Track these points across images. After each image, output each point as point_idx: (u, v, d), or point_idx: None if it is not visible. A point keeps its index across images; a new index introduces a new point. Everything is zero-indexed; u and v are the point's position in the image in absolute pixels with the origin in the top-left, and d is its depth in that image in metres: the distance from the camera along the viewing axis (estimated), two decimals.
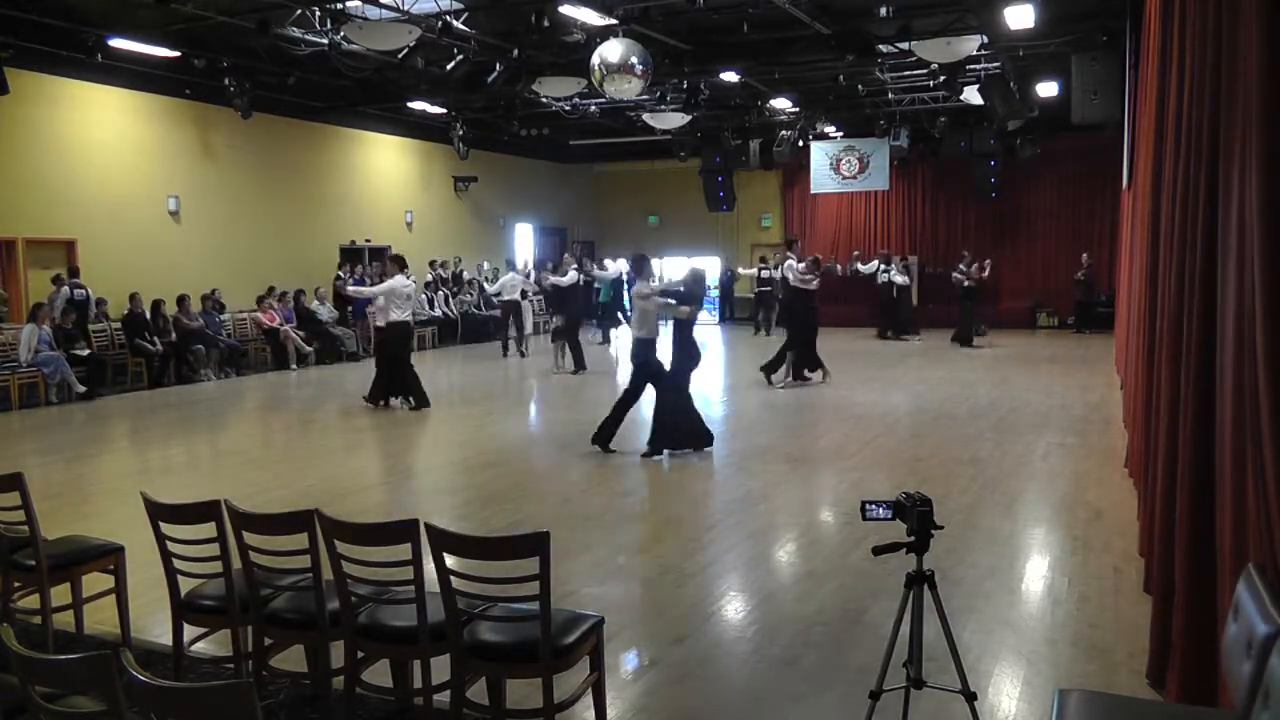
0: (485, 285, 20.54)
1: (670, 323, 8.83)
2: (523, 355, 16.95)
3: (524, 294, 17.33)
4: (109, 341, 14.15)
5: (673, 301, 8.67)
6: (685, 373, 8.78)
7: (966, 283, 17.78)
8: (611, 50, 10.66)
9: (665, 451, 8.61)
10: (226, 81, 14.09)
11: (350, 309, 17.32)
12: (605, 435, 8.78)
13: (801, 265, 12.83)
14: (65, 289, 13.67)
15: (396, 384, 11.58)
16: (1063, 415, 10.34)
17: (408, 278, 11.62)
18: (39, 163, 13.79)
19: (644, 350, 8.61)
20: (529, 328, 17.76)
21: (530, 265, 20.57)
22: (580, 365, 14.74)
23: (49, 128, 13.90)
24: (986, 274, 18.47)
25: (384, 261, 17.15)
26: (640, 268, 8.93)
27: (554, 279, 15.84)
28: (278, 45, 12.58)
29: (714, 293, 24.87)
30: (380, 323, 11.69)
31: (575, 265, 16.39)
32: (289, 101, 16.50)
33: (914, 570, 3.22)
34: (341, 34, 11.62)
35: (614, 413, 8.81)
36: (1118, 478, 7.42)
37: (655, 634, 4.64)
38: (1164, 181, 4.92)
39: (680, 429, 8.64)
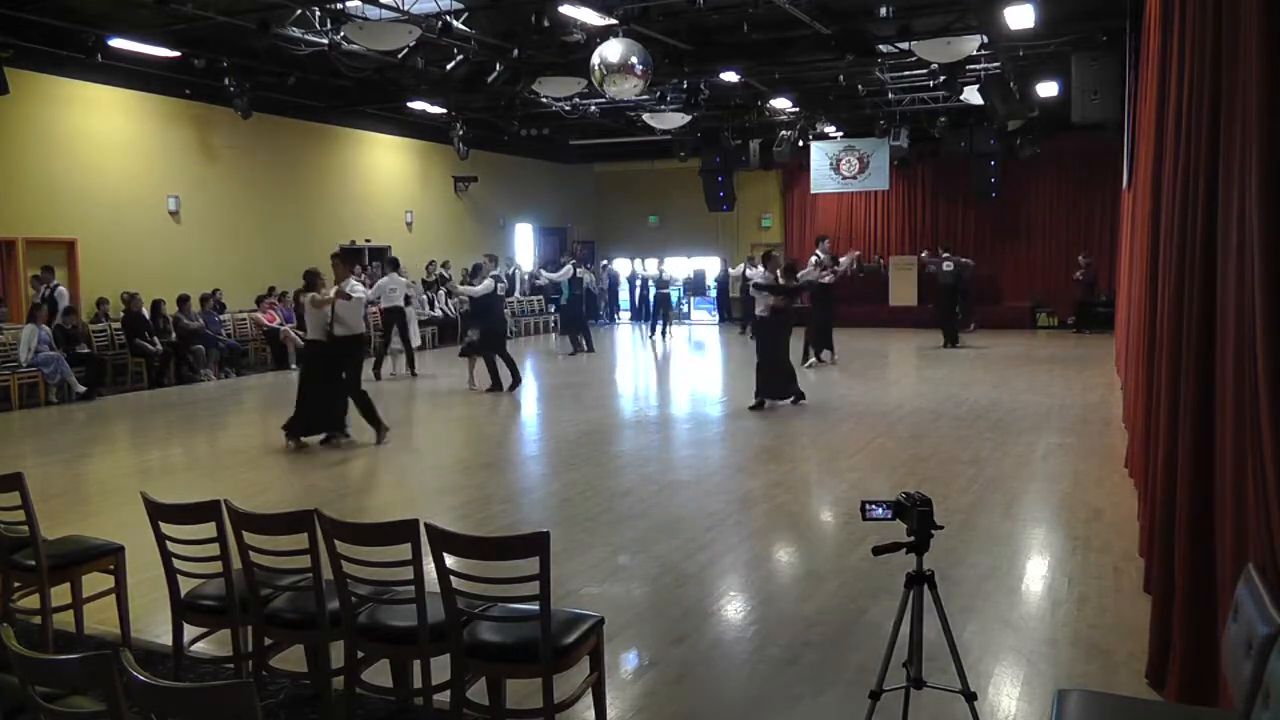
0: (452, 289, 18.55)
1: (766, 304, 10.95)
2: (413, 375, 14.73)
3: (408, 300, 15.23)
4: (109, 341, 14.16)
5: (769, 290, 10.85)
6: (785, 343, 11.11)
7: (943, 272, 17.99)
8: (611, 50, 10.66)
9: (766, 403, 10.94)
10: (226, 81, 14.09)
11: None
12: (787, 393, 11.08)
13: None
14: (44, 288, 13.59)
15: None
16: (1063, 415, 10.33)
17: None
18: (39, 163, 13.79)
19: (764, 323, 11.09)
20: (416, 339, 15.20)
21: (512, 266, 19.77)
22: (496, 384, 12.82)
23: (49, 128, 13.90)
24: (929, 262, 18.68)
25: (383, 262, 17.18)
26: (767, 259, 11.56)
27: (465, 287, 14.00)
28: (278, 45, 12.58)
29: (713, 293, 24.93)
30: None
31: (495, 273, 13.67)
32: (289, 101, 16.50)
33: (914, 570, 3.22)
34: (341, 34, 11.62)
35: (774, 372, 10.91)
36: (1118, 478, 7.42)
37: (655, 634, 4.63)
38: (1164, 181, 4.92)
39: (776, 382, 11.00)
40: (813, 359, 14.85)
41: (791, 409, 11.06)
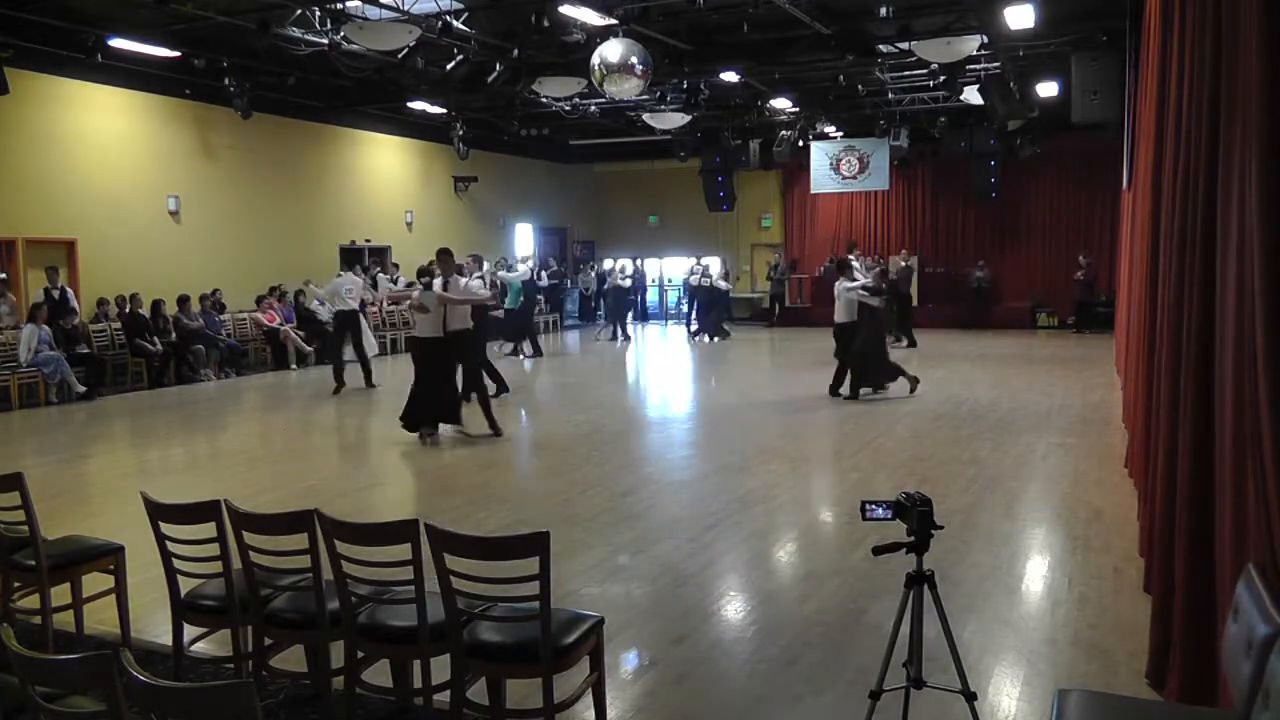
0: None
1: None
2: (369, 385, 13.32)
3: (364, 303, 13.89)
4: (109, 341, 14.16)
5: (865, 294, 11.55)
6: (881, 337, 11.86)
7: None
8: (611, 50, 10.66)
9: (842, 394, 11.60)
10: (226, 81, 14.10)
11: None
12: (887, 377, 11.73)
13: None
14: (53, 290, 13.59)
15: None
16: (1063, 415, 10.33)
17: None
18: (39, 163, 13.80)
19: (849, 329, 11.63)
20: (372, 348, 13.90)
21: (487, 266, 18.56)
22: (503, 388, 11.96)
23: (49, 128, 13.91)
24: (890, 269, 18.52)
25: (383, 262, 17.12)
26: (845, 268, 12.06)
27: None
28: (278, 45, 12.58)
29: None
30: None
31: (479, 275, 12.64)
32: (289, 101, 16.50)
33: (914, 570, 3.22)
34: (341, 34, 11.62)
35: (876, 364, 11.64)
36: (1118, 478, 7.42)
37: (655, 634, 4.63)
38: (1164, 181, 4.92)
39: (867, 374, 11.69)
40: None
41: (791, 409, 11.06)
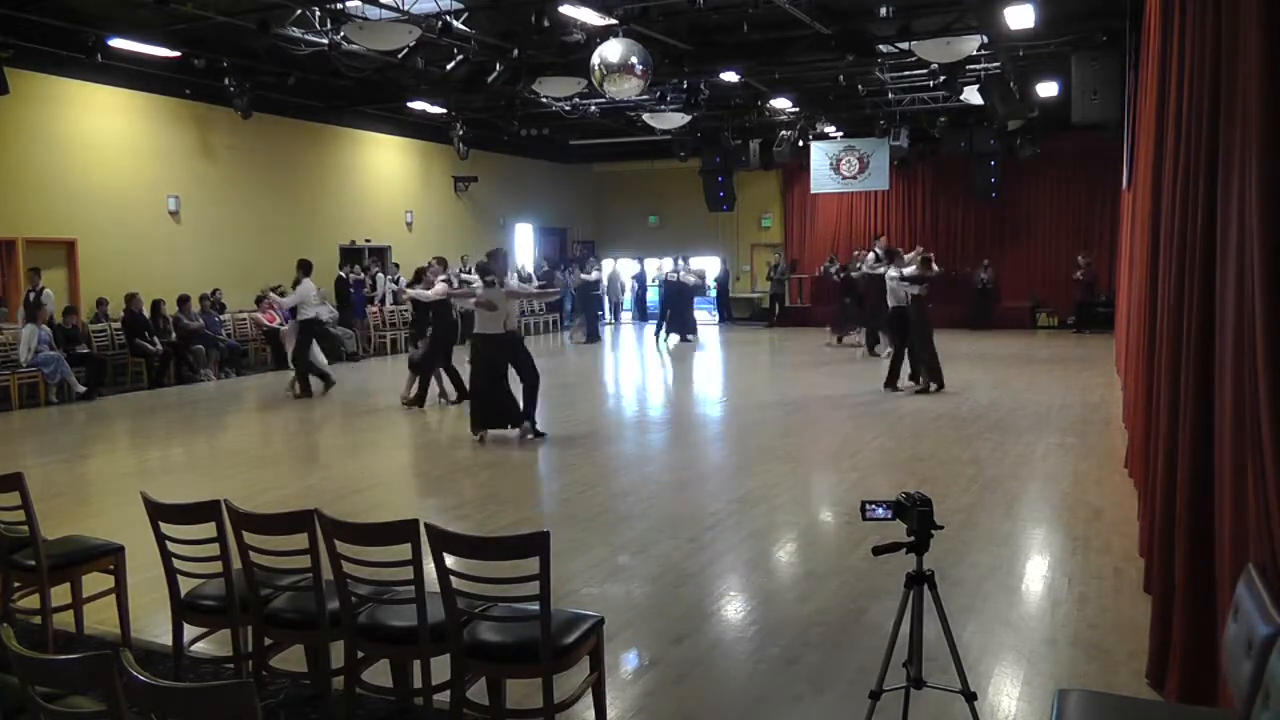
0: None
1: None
2: (308, 395, 12.81)
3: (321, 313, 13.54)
4: (109, 341, 14.16)
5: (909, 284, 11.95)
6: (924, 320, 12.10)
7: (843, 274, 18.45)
8: (611, 50, 10.66)
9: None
10: (226, 81, 14.10)
11: (351, 308, 17.32)
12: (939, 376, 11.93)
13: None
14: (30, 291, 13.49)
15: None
16: (1063, 415, 10.33)
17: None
18: (39, 163, 13.80)
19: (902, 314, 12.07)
20: (322, 356, 13.41)
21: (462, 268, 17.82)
22: (462, 394, 11.40)
23: (49, 128, 13.91)
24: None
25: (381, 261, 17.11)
26: (893, 258, 12.55)
27: (414, 292, 12.16)
28: (278, 45, 12.58)
29: (712, 293, 24.93)
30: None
31: (445, 277, 12.13)
32: (289, 101, 16.50)
33: (914, 570, 3.22)
34: (341, 34, 11.62)
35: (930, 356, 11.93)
36: (1118, 478, 7.42)
37: (655, 634, 4.63)
38: (1164, 181, 4.92)
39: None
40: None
41: (791, 409, 11.05)
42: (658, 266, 20.99)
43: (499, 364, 9.39)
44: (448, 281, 11.93)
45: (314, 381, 12.92)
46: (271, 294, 14.26)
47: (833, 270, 20.50)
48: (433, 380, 11.85)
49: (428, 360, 11.63)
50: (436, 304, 11.45)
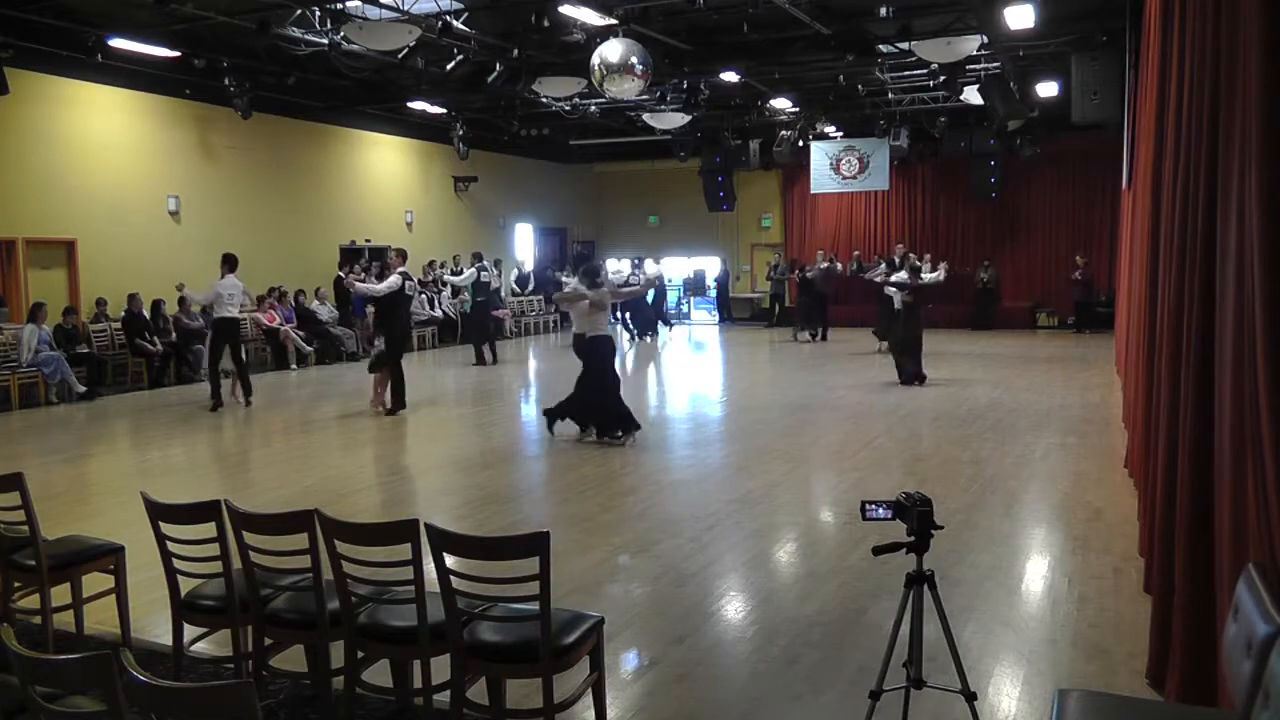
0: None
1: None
2: (247, 403, 12.13)
3: (242, 309, 12.73)
4: (109, 341, 14.16)
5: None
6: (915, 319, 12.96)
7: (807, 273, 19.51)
8: (611, 50, 10.66)
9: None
10: (226, 81, 14.10)
11: (350, 308, 17.32)
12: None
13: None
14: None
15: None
16: (1063, 415, 10.33)
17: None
18: (39, 163, 13.79)
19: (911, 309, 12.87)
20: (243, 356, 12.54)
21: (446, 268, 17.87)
22: (400, 403, 11.04)
23: (49, 128, 13.90)
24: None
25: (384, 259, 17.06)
26: (908, 266, 13.43)
27: (363, 286, 11.75)
28: (278, 45, 12.58)
29: (712, 293, 24.94)
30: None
31: (402, 270, 11.38)
32: (289, 101, 16.50)
33: (914, 570, 3.22)
34: (341, 34, 11.62)
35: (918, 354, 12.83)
36: (1118, 478, 7.42)
37: (655, 634, 4.63)
38: (1164, 181, 4.92)
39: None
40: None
41: (791, 409, 11.06)
42: (614, 270, 20.73)
43: (607, 364, 9.45)
44: (404, 274, 11.30)
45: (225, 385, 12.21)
46: (186, 289, 13.80)
47: (807, 270, 20.19)
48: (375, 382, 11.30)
49: (392, 358, 11.01)
50: (388, 298, 10.93)
